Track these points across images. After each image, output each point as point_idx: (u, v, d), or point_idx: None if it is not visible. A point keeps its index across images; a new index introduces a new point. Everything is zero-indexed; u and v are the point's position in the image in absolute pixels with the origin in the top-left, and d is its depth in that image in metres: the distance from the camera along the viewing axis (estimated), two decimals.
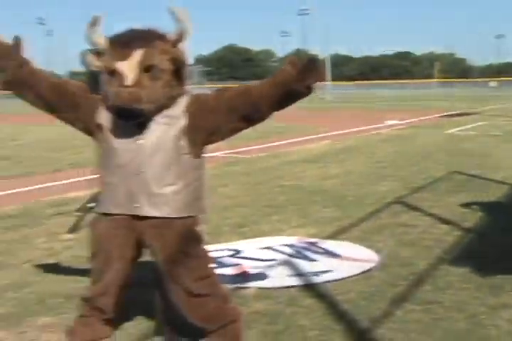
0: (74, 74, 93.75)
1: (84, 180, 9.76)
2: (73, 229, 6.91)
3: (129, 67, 3.26)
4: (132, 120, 3.35)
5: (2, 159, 14.52)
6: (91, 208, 7.23)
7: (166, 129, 3.40)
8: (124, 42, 3.31)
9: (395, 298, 4.66)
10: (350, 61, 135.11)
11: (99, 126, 3.49)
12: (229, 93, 3.48)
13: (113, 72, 3.31)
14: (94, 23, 3.45)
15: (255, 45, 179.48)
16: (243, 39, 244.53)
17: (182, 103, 3.46)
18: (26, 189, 10.27)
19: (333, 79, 72.87)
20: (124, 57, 3.27)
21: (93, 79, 6.47)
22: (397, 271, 5.28)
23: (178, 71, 3.43)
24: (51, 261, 5.92)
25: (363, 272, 5.27)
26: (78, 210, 7.58)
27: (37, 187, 10.44)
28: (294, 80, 3.24)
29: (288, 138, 17.88)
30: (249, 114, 3.45)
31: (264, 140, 17.24)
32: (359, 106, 41.15)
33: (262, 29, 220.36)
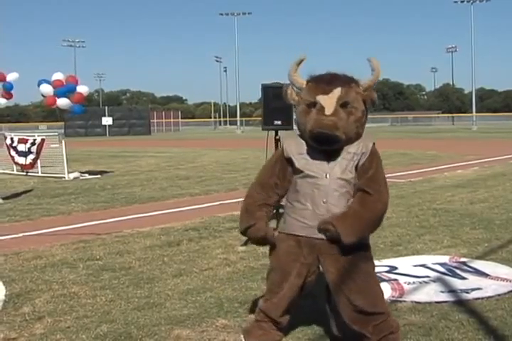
0: (245, 106, 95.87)
1: None
2: (246, 243, 6.99)
3: (329, 100, 3.40)
4: (328, 145, 3.44)
5: (183, 179, 14.99)
6: None
7: (346, 163, 3.48)
8: (327, 81, 3.47)
9: None
10: (494, 94, 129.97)
11: (290, 160, 3.59)
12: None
13: (312, 104, 3.45)
14: (298, 62, 3.65)
15: (406, 80, 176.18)
16: (396, 74, 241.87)
17: (361, 145, 3.51)
18: (205, 205, 10.49)
19: (478, 111, 70.32)
20: (326, 92, 3.42)
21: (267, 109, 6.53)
22: None
23: (365, 112, 3.53)
24: (228, 269, 5.97)
25: (510, 291, 4.98)
26: None
27: (215, 204, 10.62)
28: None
29: (438, 164, 17.33)
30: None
31: (417, 166, 16.89)
32: (503, 135, 39.26)
33: (412, 65, 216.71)
